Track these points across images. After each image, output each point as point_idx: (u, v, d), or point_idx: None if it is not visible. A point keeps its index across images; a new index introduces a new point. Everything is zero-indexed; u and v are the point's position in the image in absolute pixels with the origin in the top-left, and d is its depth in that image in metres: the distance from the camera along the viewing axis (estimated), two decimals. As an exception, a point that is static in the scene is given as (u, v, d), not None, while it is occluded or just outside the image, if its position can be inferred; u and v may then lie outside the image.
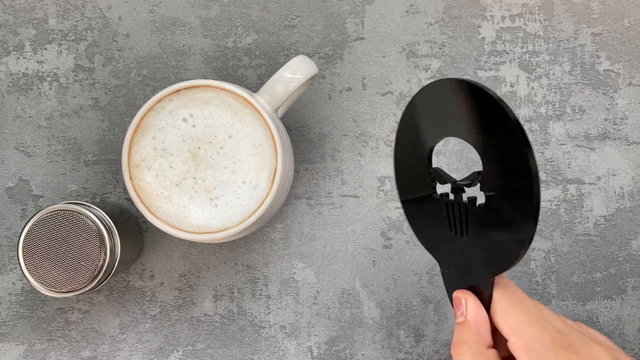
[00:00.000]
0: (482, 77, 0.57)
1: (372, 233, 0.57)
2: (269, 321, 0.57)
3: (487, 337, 0.37)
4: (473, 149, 0.38)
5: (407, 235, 0.57)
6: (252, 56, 0.57)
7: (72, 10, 0.57)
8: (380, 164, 0.57)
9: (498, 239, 0.37)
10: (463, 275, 0.39)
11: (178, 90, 0.48)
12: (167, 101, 0.48)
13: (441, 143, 0.52)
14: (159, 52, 0.57)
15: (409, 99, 0.57)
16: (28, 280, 0.47)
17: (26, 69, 0.57)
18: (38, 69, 0.57)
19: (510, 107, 0.37)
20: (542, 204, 0.57)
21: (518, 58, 0.57)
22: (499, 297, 0.36)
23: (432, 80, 0.41)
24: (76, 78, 0.57)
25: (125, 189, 0.57)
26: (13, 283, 0.57)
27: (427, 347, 0.57)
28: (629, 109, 0.57)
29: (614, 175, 0.57)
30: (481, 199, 0.38)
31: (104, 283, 0.49)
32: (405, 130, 0.41)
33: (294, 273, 0.57)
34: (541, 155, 0.57)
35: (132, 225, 0.55)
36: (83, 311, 0.57)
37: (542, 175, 0.57)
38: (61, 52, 0.57)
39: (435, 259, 0.41)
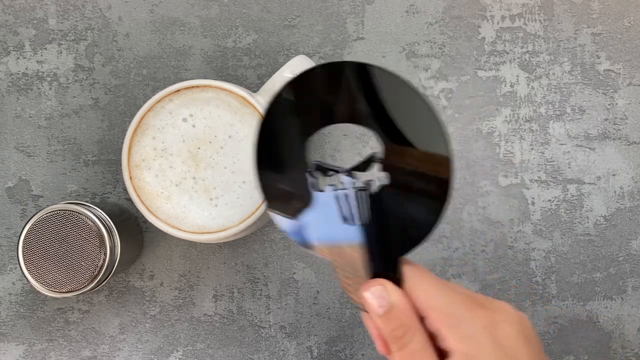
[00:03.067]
0: (482, 77, 0.57)
1: (372, 233, 0.57)
2: (269, 321, 0.57)
3: (417, 320, 0.35)
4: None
5: (407, 235, 0.57)
6: (252, 56, 0.57)
7: (72, 10, 0.57)
8: (380, 164, 0.57)
9: (409, 215, 0.36)
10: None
11: (178, 90, 0.48)
12: (167, 101, 0.48)
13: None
14: (158, 52, 0.57)
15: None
16: (28, 280, 0.47)
17: (26, 69, 0.57)
18: (38, 69, 0.57)
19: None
20: (541, 204, 0.57)
21: (518, 58, 0.57)
22: (405, 275, 0.36)
23: (312, 66, 0.39)
24: (76, 78, 0.57)
25: (125, 189, 0.57)
26: (13, 283, 0.57)
27: (427, 347, 0.57)
28: (629, 109, 0.57)
29: (614, 175, 0.57)
30: (381, 181, 0.37)
31: (103, 283, 0.49)
32: (274, 128, 0.37)
33: (294, 273, 0.57)
34: (541, 155, 0.57)
35: (132, 225, 0.55)
36: (83, 311, 0.57)
37: (542, 176, 0.57)
38: (61, 52, 0.57)
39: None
